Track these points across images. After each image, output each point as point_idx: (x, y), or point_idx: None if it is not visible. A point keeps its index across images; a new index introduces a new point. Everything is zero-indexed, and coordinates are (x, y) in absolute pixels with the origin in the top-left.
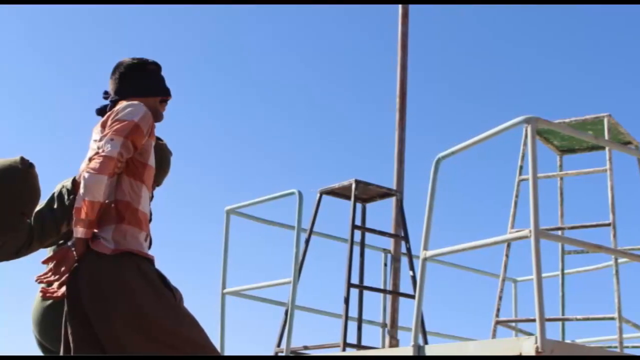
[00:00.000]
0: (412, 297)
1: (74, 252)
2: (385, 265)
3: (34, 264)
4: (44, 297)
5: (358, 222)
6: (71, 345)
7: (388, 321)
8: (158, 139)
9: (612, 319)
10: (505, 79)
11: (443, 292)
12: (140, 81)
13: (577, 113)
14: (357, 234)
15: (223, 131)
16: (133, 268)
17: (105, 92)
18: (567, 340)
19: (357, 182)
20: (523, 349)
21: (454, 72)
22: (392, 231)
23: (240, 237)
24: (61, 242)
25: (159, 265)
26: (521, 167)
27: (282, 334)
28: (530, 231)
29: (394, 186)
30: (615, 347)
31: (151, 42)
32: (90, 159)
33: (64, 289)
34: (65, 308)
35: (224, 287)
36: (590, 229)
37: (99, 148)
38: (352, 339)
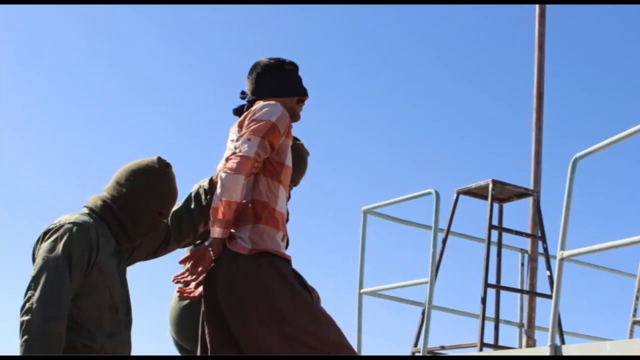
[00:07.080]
0: (549, 297)
1: (211, 252)
2: (522, 265)
3: (171, 264)
4: (181, 297)
5: (495, 222)
6: (208, 345)
7: (525, 321)
8: (295, 139)
9: None
10: None
11: (580, 291)
12: (278, 81)
13: None
14: (494, 233)
15: (360, 131)
16: (270, 268)
17: (242, 92)
18: None
19: (494, 182)
20: None
21: (590, 72)
22: (529, 231)
23: (377, 237)
24: (198, 242)
25: (296, 265)
26: None
27: (419, 333)
28: None
29: (531, 186)
30: None
31: (289, 42)
32: (227, 159)
33: (200, 289)
34: (202, 308)
35: (361, 287)
36: None
37: (236, 148)
38: (489, 338)
